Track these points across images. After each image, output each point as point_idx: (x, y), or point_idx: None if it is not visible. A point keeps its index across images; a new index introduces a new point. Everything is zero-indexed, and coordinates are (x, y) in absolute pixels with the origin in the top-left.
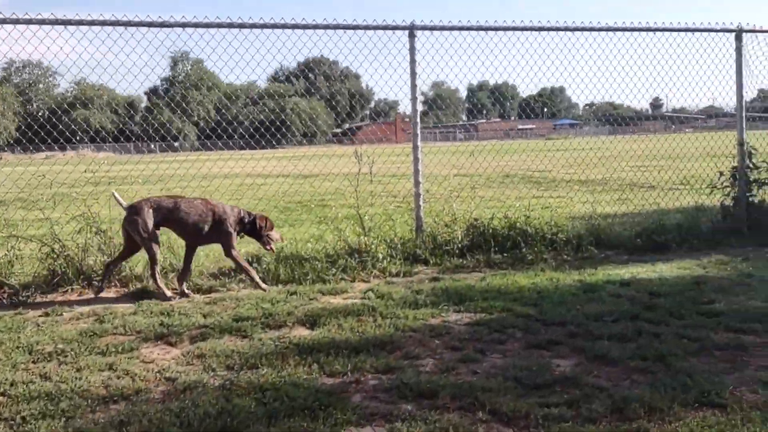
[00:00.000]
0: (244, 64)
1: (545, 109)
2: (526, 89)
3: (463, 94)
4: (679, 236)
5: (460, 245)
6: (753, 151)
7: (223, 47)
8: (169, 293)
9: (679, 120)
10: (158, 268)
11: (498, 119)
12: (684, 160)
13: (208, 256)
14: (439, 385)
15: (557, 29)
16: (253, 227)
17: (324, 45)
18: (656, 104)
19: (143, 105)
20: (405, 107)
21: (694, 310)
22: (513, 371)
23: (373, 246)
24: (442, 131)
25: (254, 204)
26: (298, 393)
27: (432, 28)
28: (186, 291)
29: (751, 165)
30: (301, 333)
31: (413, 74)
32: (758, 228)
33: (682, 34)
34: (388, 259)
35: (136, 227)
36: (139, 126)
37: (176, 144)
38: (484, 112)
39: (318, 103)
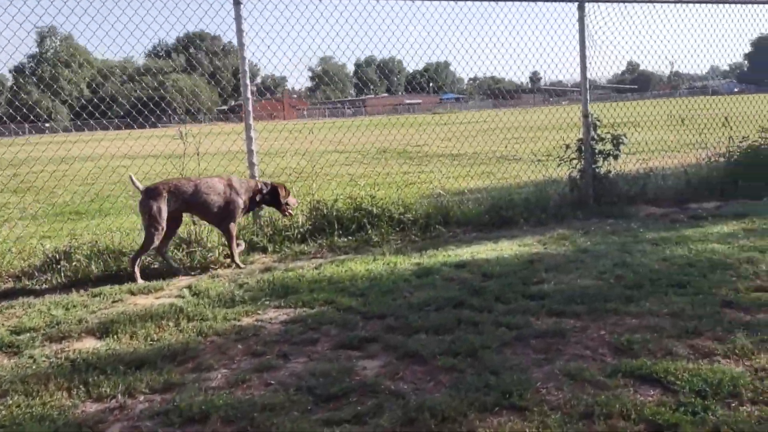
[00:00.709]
0: (122, 40)
1: (431, 84)
2: (414, 64)
3: (351, 68)
4: (526, 211)
5: (302, 230)
6: (597, 123)
7: (98, 22)
8: (140, 280)
9: (556, 93)
10: (143, 256)
11: (386, 94)
12: (553, 130)
13: (21, 252)
14: (215, 406)
15: None
16: (273, 197)
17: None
18: (535, 78)
19: (8, 84)
20: (294, 83)
21: (521, 293)
22: (310, 380)
23: (204, 235)
24: (331, 107)
25: (110, 188)
26: (40, 430)
27: None
28: (240, 264)
29: (595, 137)
30: (87, 345)
31: (241, 46)
32: (603, 199)
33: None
34: (220, 249)
35: (148, 211)
36: (4, 107)
37: (47, 125)
38: (371, 87)
39: (201, 79)
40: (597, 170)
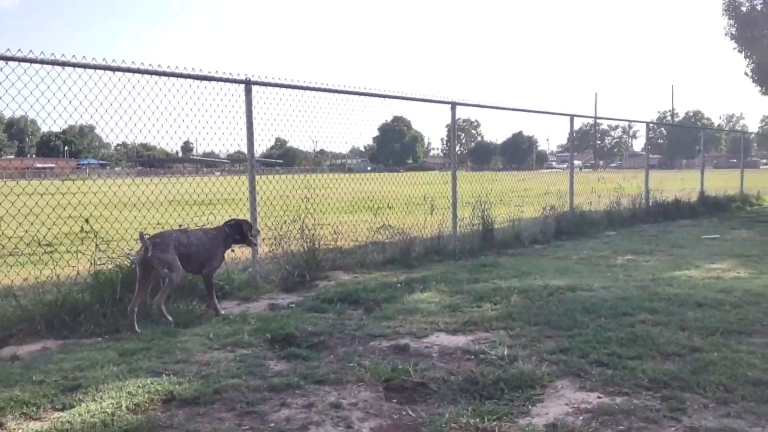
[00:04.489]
0: None
1: (66, 148)
2: (52, 125)
3: None
4: None
5: None
6: None
7: None
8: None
9: (208, 164)
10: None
11: (12, 156)
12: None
13: None
14: None
15: None
16: (241, 235)
17: None
18: (187, 147)
19: None
20: None
21: None
22: None
23: None
24: None
25: None
26: None
27: None
28: (221, 312)
29: None
30: None
31: None
32: None
33: None
34: None
35: (164, 262)
36: None
37: None
38: None
39: None
40: None
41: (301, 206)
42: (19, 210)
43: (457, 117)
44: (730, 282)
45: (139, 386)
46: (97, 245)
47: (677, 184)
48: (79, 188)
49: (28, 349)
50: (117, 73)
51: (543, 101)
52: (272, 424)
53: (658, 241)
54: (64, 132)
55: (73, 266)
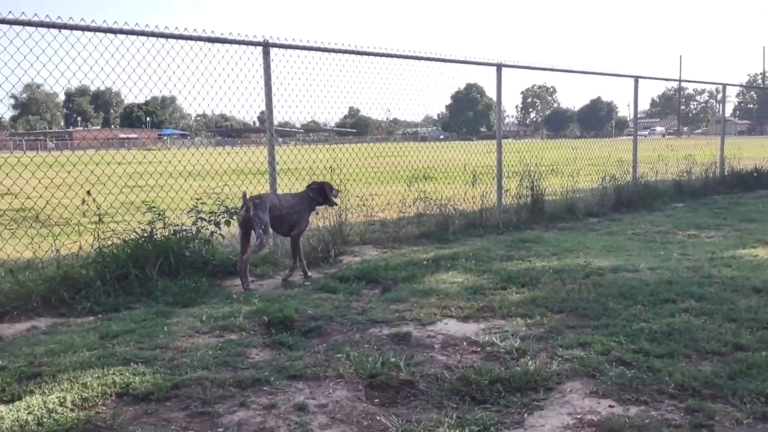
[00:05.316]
0: None
1: (148, 119)
2: (136, 97)
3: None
4: None
5: None
6: None
7: None
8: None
9: (282, 134)
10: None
11: (97, 127)
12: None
13: None
14: None
15: None
16: (324, 197)
17: None
18: (263, 118)
19: None
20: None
21: None
22: None
23: None
24: (31, 139)
25: None
26: None
27: None
28: (309, 273)
29: None
30: None
31: None
32: None
33: None
34: None
35: (261, 222)
36: None
37: None
38: (80, 119)
39: None
40: None
41: (326, 178)
42: (86, 179)
43: (532, 84)
44: None
45: (97, 377)
46: (100, 218)
47: (760, 152)
48: (144, 157)
49: (17, 328)
50: (192, 42)
51: (625, 65)
52: (220, 429)
53: (727, 213)
54: (146, 103)
55: (74, 241)
